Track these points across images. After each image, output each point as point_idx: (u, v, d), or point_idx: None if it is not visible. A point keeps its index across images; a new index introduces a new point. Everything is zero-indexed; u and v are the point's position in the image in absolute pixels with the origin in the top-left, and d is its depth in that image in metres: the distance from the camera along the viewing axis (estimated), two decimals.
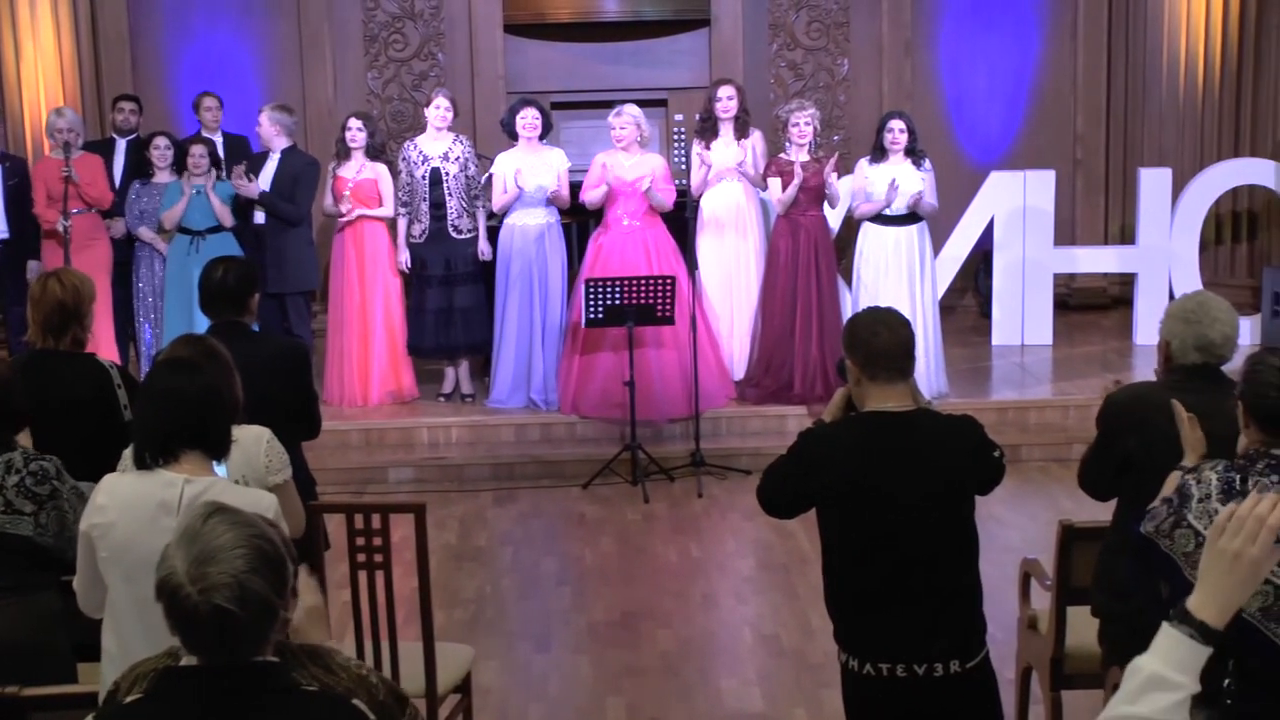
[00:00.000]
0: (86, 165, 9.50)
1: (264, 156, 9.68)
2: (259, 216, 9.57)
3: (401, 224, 9.59)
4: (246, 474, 4.18)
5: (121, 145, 10.24)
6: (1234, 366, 4.42)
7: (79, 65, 11.58)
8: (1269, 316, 10.47)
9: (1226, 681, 3.32)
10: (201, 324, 6.35)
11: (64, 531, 4.41)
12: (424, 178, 9.48)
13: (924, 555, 3.91)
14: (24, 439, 4.56)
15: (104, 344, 9.15)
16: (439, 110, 9.53)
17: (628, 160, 9.28)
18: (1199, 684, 2.48)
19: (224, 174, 9.63)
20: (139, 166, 9.90)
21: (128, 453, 4.36)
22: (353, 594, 4.90)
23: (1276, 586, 3.33)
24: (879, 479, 3.89)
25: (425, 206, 9.52)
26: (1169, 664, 2.48)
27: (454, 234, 9.54)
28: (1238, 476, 3.45)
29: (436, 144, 9.56)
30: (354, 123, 9.56)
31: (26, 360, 5.20)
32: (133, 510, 3.65)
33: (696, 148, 9.54)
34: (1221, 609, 2.51)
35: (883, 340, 3.94)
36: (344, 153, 9.58)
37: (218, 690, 2.48)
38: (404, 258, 9.58)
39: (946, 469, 3.93)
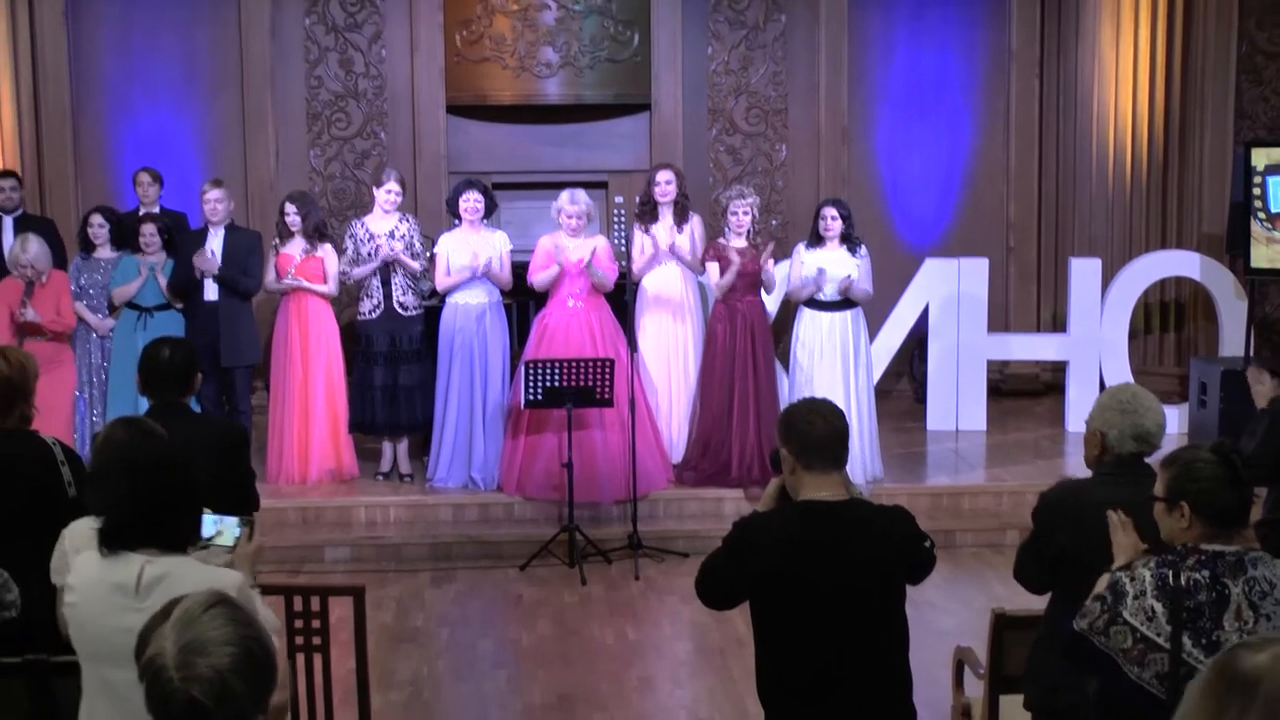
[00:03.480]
0: (51, 290, 9.09)
1: (203, 233, 9.67)
2: (209, 293, 9.54)
3: (359, 270, 9.59)
4: None
5: (8, 222, 10.14)
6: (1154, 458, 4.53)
7: (20, 138, 11.58)
8: (1196, 406, 10.64)
9: (1091, 696, 3.40)
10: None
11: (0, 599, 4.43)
12: (370, 255, 9.54)
13: (854, 645, 3.96)
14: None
15: None
16: (390, 195, 9.60)
17: (571, 241, 9.37)
18: None
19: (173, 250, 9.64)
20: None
21: (70, 529, 4.39)
22: (290, 675, 4.89)
23: (1133, 628, 3.42)
24: (810, 568, 3.95)
25: (376, 283, 9.57)
26: None
27: (400, 310, 9.59)
28: (1170, 572, 3.54)
29: (383, 222, 9.62)
30: (289, 207, 9.62)
31: None
32: (93, 591, 3.65)
33: (638, 231, 9.66)
34: None
35: (818, 430, 4.02)
36: (285, 233, 9.63)
37: None
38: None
39: (878, 559, 3.99)
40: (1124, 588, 3.56)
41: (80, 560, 3.80)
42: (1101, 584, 3.73)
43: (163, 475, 3.76)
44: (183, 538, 3.76)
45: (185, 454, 3.92)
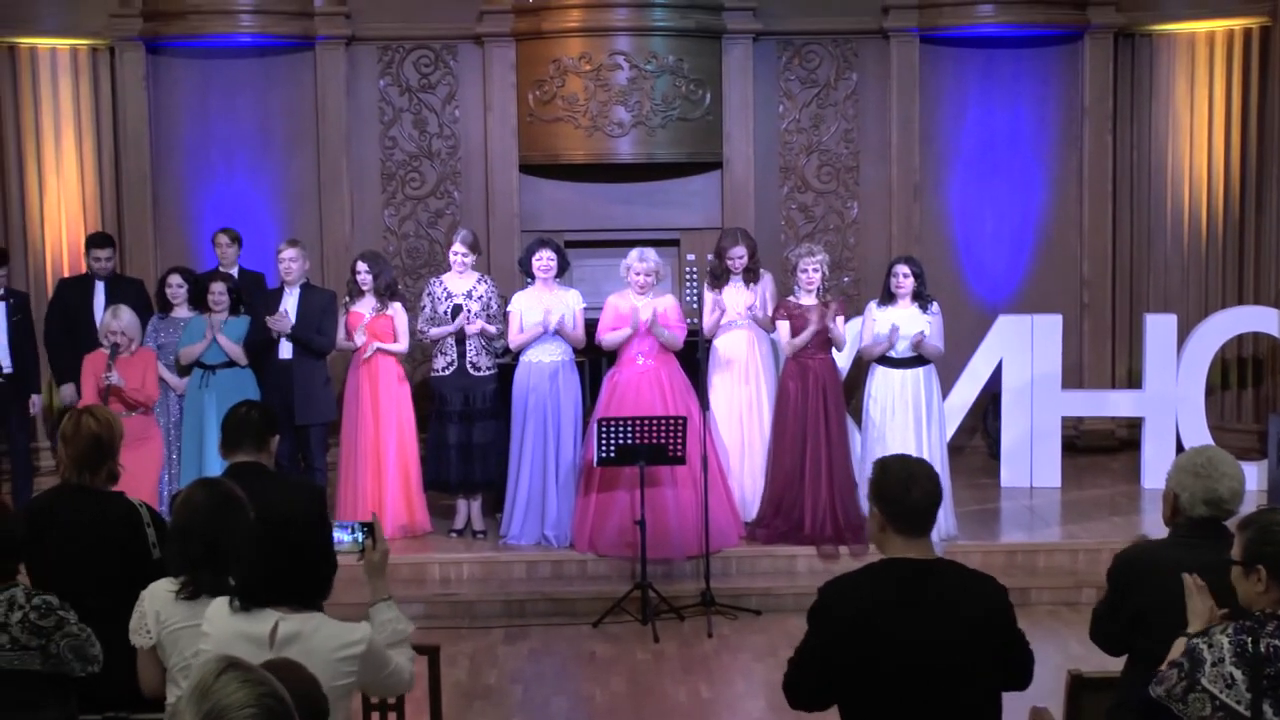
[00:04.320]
0: (138, 361, 9.05)
1: (279, 293, 9.80)
2: (284, 351, 9.67)
3: (437, 330, 9.68)
4: None
5: (100, 287, 10.32)
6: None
7: (101, 201, 11.81)
8: (1275, 463, 10.49)
9: None
10: (213, 454, 6.39)
11: (83, 653, 4.50)
12: (446, 313, 9.63)
13: (934, 704, 3.92)
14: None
15: None
16: (455, 256, 9.73)
17: (640, 300, 9.42)
18: None
19: (243, 309, 9.75)
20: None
21: (149, 591, 4.46)
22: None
23: (1211, 695, 3.38)
24: (892, 624, 3.92)
25: (451, 341, 9.66)
26: None
27: (473, 371, 9.67)
28: (1249, 639, 3.50)
29: (461, 282, 9.74)
30: (361, 265, 9.75)
31: (58, 495, 5.28)
32: (227, 641, 3.78)
33: (709, 293, 9.69)
34: None
35: (914, 500, 3.99)
36: (356, 291, 9.75)
37: None
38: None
39: (962, 620, 3.95)
40: (1202, 654, 3.53)
41: (212, 610, 3.93)
42: (1178, 650, 3.70)
43: (297, 535, 3.87)
44: (317, 595, 3.87)
45: (320, 513, 4.02)
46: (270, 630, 3.81)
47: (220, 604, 3.95)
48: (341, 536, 4.20)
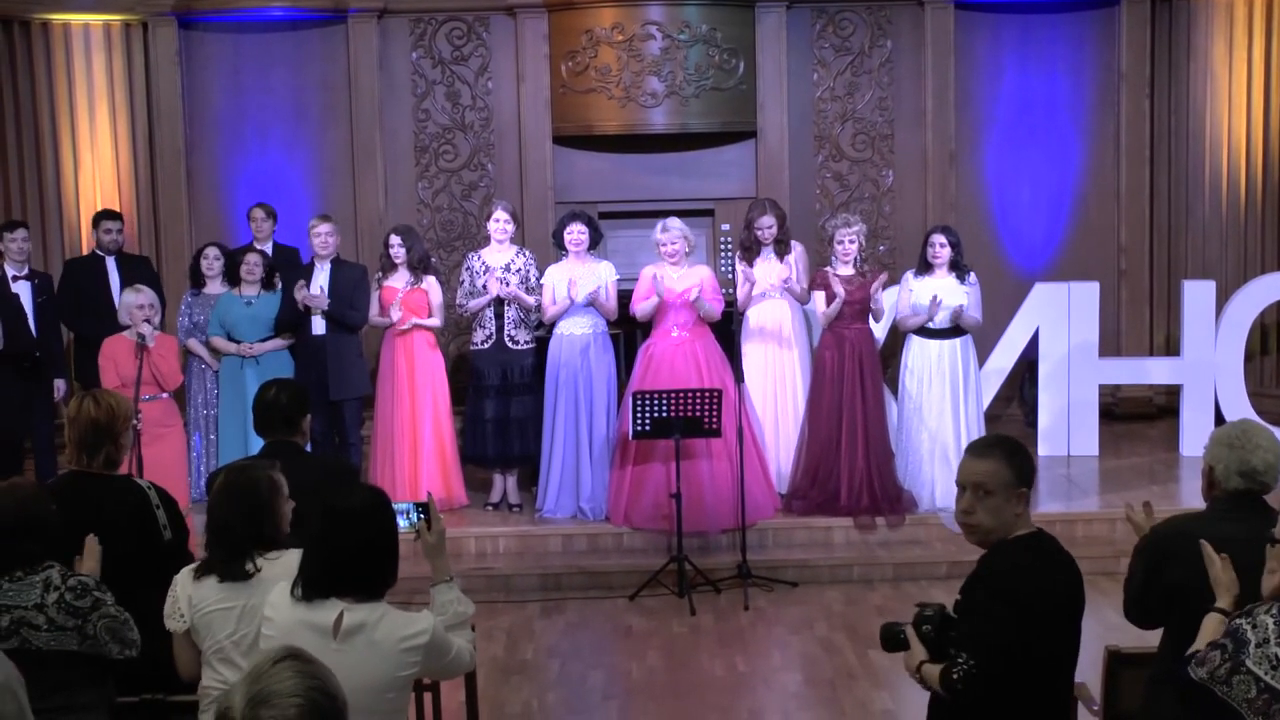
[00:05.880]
0: (159, 346, 8.76)
1: (310, 268, 9.81)
2: (317, 327, 9.68)
3: (475, 302, 9.70)
4: None
5: (110, 262, 10.29)
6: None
7: (135, 177, 11.84)
8: None
9: None
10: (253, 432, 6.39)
11: (120, 635, 4.51)
12: (484, 287, 9.62)
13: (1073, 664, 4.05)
14: (92, 564, 4.65)
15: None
16: (498, 224, 9.71)
17: (675, 272, 9.40)
18: None
19: (278, 284, 9.80)
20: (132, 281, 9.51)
21: (182, 575, 4.48)
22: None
23: (1256, 677, 3.35)
24: (1062, 593, 4.03)
25: (489, 314, 9.66)
26: None
27: (510, 344, 9.67)
28: None
29: (499, 255, 9.73)
30: (394, 239, 9.74)
31: (65, 482, 5.27)
32: (290, 628, 3.80)
33: (739, 266, 9.64)
34: None
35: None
36: (389, 265, 9.75)
37: None
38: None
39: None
40: (1245, 635, 3.49)
41: (274, 597, 3.95)
42: (1213, 627, 3.66)
43: (364, 527, 3.87)
44: (382, 585, 3.88)
45: (385, 505, 4.01)
46: (334, 620, 3.82)
47: (282, 591, 3.96)
48: (396, 509, 4.21)
